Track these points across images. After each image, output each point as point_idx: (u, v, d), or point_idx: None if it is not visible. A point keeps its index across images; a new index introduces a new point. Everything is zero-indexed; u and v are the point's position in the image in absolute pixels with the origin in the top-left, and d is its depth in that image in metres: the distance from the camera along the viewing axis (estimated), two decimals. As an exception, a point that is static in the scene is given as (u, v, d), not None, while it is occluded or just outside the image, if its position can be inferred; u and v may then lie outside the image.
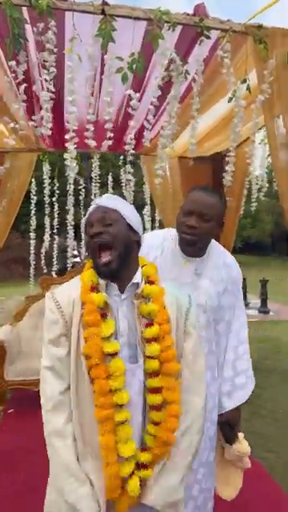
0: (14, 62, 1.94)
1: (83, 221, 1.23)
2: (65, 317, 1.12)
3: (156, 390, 1.12)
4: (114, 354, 1.08)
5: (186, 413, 1.16)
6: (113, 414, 1.06)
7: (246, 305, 9.06)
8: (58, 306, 1.13)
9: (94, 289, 1.12)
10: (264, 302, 8.57)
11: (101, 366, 1.06)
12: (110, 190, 5.47)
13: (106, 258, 1.12)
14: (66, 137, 2.03)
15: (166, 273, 1.56)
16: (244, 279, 9.47)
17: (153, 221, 5.21)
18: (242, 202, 4.55)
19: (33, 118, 2.27)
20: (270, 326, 7.36)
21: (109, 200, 1.22)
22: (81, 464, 1.09)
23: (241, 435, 1.68)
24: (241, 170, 4.00)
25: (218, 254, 1.67)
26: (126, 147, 2.26)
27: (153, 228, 5.16)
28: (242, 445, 1.65)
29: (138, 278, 1.18)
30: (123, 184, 5.02)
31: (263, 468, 2.67)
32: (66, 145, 2.04)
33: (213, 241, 1.67)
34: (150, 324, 1.14)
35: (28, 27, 2.00)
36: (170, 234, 1.66)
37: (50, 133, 2.04)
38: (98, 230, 1.13)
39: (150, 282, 1.19)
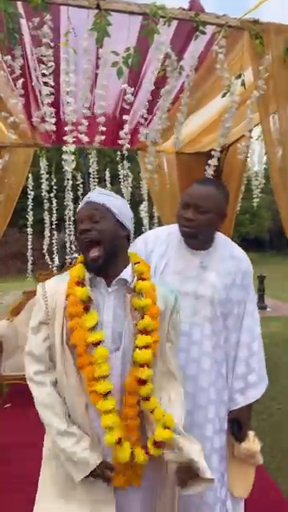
0: (9, 57, 1.93)
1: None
2: (48, 306, 1.19)
3: (145, 381, 1.16)
4: (97, 343, 1.13)
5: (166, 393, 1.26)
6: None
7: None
8: (45, 296, 1.20)
9: (80, 283, 1.17)
10: (261, 297, 8.59)
11: (85, 355, 1.12)
12: (108, 185, 5.45)
13: (94, 253, 1.16)
14: (66, 129, 2.02)
15: (171, 267, 1.57)
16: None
17: (151, 217, 5.20)
18: (240, 198, 4.56)
19: (35, 114, 2.26)
20: (267, 321, 7.37)
21: (99, 195, 1.24)
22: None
23: (251, 433, 1.65)
24: (238, 166, 4.00)
25: (225, 246, 1.65)
26: (121, 142, 2.26)
27: (151, 224, 5.16)
28: (252, 443, 1.62)
29: (127, 273, 1.21)
30: (121, 180, 5.02)
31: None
32: (65, 138, 2.03)
33: (220, 234, 1.66)
34: (142, 317, 1.19)
35: (23, 22, 1.99)
36: (175, 228, 1.64)
37: (54, 128, 2.03)
38: (86, 226, 1.17)
39: (142, 279, 1.23)
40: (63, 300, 1.18)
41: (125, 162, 5.04)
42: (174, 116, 2.48)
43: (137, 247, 1.62)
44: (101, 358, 1.11)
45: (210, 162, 2.46)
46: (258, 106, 2.19)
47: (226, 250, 1.63)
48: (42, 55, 1.93)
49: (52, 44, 1.94)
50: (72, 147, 1.99)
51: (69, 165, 2.02)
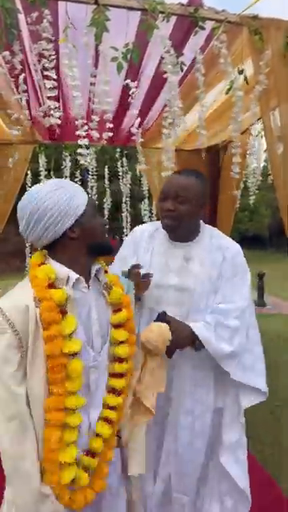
0: (7, 53, 1.92)
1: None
2: (15, 327, 1.02)
3: (121, 375, 1.17)
4: (74, 354, 1.05)
5: None
6: (64, 418, 1.04)
7: (243, 298, 9.09)
8: (5, 317, 1.03)
9: (52, 285, 1.06)
10: (261, 295, 8.58)
11: (61, 370, 1.02)
12: (107, 183, 5.45)
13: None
14: (77, 123, 1.99)
15: (156, 260, 1.56)
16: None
17: (152, 214, 5.20)
18: (239, 195, 4.55)
19: (40, 108, 2.24)
20: (267, 319, 7.37)
21: None
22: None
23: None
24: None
25: (212, 237, 1.63)
26: (133, 137, 2.23)
27: (151, 221, 5.16)
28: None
29: (95, 268, 1.20)
30: (120, 177, 5.02)
31: (256, 460, 2.70)
32: (77, 132, 1.98)
33: (208, 226, 1.66)
34: (117, 310, 1.19)
35: (21, 17, 1.97)
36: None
37: (59, 122, 2.00)
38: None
39: (105, 272, 1.23)
40: (33, 309, 1.03)
41: (124, 159, 5.05)
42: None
43: (125, 244, 1.65)
44: (76, 372, 1.05)
45: (233, 159, 2.38)
46: (259, 101, 2.18)
47: (213, 242, 1.60)
48: (43, 49, 1.91)
49: (53, 38, 1.92)
50: (85, 140, 1.96)
51: (84, 159, 1.97)
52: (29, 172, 4.83)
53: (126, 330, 1.21)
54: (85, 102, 2.07)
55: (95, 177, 5.09)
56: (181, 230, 1.54)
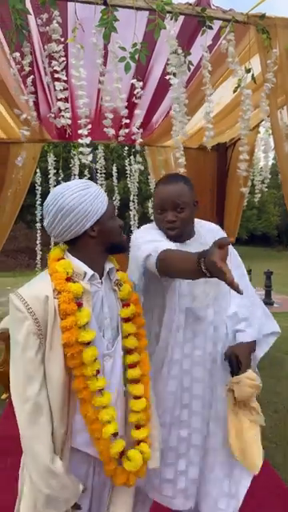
0: (17, 54, 1.95)
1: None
2: (34, 313, 1.08)
3: (133, 365, 1.23)
4: (88, 343, 1.11)
5: None
6: (92, 397, 1.11)
7: (251, 296, 9.06)
8: (26, 304, 1.09)
9: (70, 279, 1.13)
10: (268, 293, 8.57)
11: (79, 356, 1.09)
12: (115, 181, 5.47)
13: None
14: (79, 122, 2.02)
15: None
16: (249, 271, 9.48)
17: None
18: (247, 193, 4.55)
19: (52, 110, 2.27)
20: (274, 317, 7.37)
21: None
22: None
23: (249, 371, 1.55)
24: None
25: (201, 226, 1.71)
26: (134, 136, 2.25)
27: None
28: (252, 373, 1.52)
29: (108, 266, 1.26)
30: (128, 175, 5.04)
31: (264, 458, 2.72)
32: (79, 131, 2.02)
33: (200, 221, 1.72)
34: (126, 305, 1.25)
35: (31, 18, 2.01)
36: (154, 226, 1.69)
37: (69, 122, 2.03)
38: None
39: (117, 270, 1.29)
40: (53, 301, 1.10)
41: (132, 157, 5.07)
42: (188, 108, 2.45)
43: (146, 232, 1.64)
44: (90, 359, 1.11)
45: (241, 157, 2.40)
46: (267, 99, 2.18)
47: (204, 229, 1.69)
48: (53, 52, 1.94)
49: (62, 39, 1.95)
50: (87, 139, 1.99)
51: (85, 157, 2.01)
52: (38, 170, 4.88)
53: (135, 324, 1.27)
54: (93, 101, 2.09)
55: (103, 175, 5.12)
56: (185, 233, 1.59)
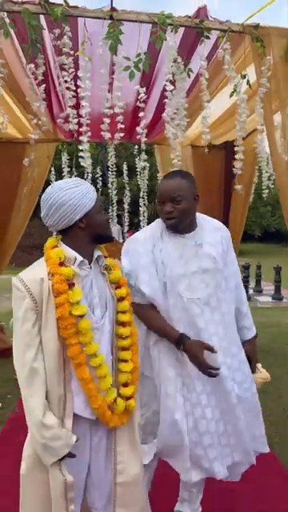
0: (32, 65, 2.17)
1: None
2: (32, 293, 1.27)
3: (126, 336, 1.44)
4: (81, 316, 1.31)
5: None
6: (85, 359, 1.31)
7: (260, 291, 9.16)
8: (25, 285, 1.28)
9: (62, 264, 1.32)
10: (278, 288, 8.64)
11: (71, 327, 1.28)
12: (126, 178, 5.67)
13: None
14: (81, 130, 2.25)
15: (172, 254, 1.76)
16: (259, 266, 9.57)
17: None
18: (252, 190, 4.69)
19: (60, 115, 2.50)
20: (283, 312, 7.47)
21: None
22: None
23: (259, 365, 1.90)
24: (250, 158, 4.12)
25: (206, 222, 1.87)
26: (138, 136, 2.45)
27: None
28: (263, 373, 1.89)
29: (96, 253, 1.45)
30: (138, 173, 5.24)
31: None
32: (81, 138, 2.26)
33: (206, 217, 1.88)
34: (118, 287, 1.46)
35: (45, 33, 2.21)
36: (156, 225, 1.84)
37: (76, 127, 2.25)
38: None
39: (105, 257, 1.48)
40: (47, 283, 1.29)
41: (142, 154, 5.26)
42: (189, 112, 2.64)
43: (134, 255, 1.77)
44: (85, 329, 1.29)
45: (236, 156, 2.58)
46: (263, 103, 2.35)
47: (208, 225, 1.84)
48: (63, 64, 2.15)
49: (72, 52, 2.16)
50: (86, 145, 2.22)
51: (84, 162, 2.25)
52: (52, 169, 5.11)
53: (128, 302, 1.47)
54: (101, 106, 2.30)
55: (115, 172, 5.32)
56: (183, 224, 1.75)
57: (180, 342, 1.60)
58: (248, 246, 21.51)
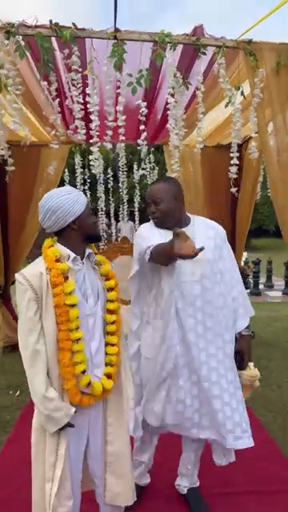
0: (45, 83, 2.41)
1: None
2: (33, 285, 1.48)
3: (113, 321, 1.67)
4: (73, 305, 1.52)
5: None
6: (71, 345, 1.52)
7: (271, 286, 9.28)
8: (26, 279, 1.49)
9: (58, 260, 1.54)
10: (287, 284, 8.76)
11: (65, 314, 1.51)
12: (136, 178, 5.89)
13: None
14: (91, 141, 2.50)
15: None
16: (270, 262, 9.67)
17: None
18: (258, 188, 4.82)
19: (70, 127, 2.76)
20: (293, 306, 7.60)
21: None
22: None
23: (251, 364, 1.98)
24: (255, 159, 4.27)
25: (200, 221, 2.05)
26: (139, 148, 2.68)
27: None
28: (253, 370, 1.96)
29: (88, 251, 1.67)
30: (147, 172, 5.45)
31: (262, 424, 3.08)
32: (91, 148, 2.50)
33: (200, 217, 2.08)
34: (108, 279, 1.69)
35: (57, 53, 2.45)
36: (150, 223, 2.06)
37: (85, 138, 2.50)
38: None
39: (95, 254, 1.70)
40: (46, 277, 1.49)
41: (150, 155, 5.47)
42: (188, 122, 2.85)
43: (143, 235, 2.00)
44: (73, 316, 1.50)
45: (231, 162, 2.77)
46: (256, 112, 2.53)
47: (202, 224, 2.03)
48: (72, 79, 2.38)
49: (80, 69, 2.39)
50: (97, 154, 2.47)
51: (95, 169, 2.51)
52: (66, 170, 5.36)
53: (117, 292, 1.71)
54: (112, 110, 2.53)
55: (125, 172, 5.53)
56: (168, 221, 1.94)
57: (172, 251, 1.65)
58: (263, 241, 21.43)
